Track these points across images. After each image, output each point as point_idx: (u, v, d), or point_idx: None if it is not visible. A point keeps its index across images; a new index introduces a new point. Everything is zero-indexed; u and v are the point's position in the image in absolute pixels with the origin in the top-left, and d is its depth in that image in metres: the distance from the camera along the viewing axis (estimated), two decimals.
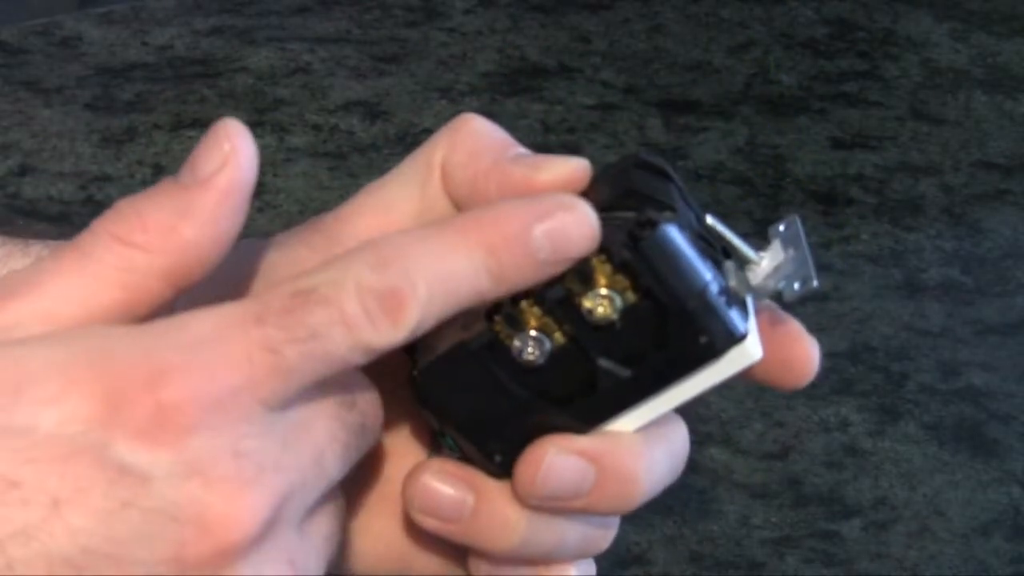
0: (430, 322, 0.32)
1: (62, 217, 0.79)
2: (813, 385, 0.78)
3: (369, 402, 0.33)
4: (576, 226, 0.34)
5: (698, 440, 0.72)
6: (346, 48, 0.88)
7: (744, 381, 0.74)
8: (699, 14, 0.91)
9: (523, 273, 0.33)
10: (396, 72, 0.87)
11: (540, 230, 0.33)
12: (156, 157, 0.83)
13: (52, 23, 0.89)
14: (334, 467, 0.32)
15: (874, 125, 0.86)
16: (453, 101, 0.86)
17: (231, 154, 0.33)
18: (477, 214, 0.34)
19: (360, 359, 0.32)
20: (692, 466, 0.74)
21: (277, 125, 0.85)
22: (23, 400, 0.30)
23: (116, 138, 0.84)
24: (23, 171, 0.82)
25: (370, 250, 0.32)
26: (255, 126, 0.84)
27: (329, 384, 0.32)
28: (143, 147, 0.84)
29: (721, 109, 0.86)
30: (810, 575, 0.68)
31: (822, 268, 0.81)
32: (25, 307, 0.32)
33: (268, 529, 0.30)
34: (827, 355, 0.80)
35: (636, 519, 0.70)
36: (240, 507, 0.30)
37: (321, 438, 0.32)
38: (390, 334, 0.32)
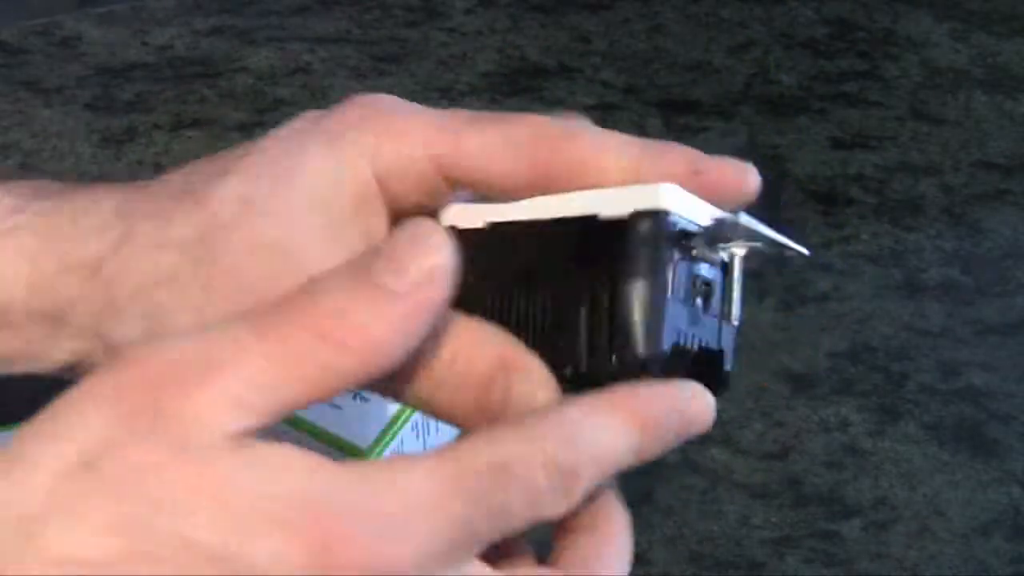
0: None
1: None
2: (813, 385, 0.79)
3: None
4: (702, 418, 0.37)
5: (698, 440, 0.72)
6: (346, 48, 0.88)
7: (744, 382, 0.74)
8: (699, 14, 0.91)
9: (654, 452, 0.36)
10: (396, 72, 0.87)
11: (678, 419, 0.36)
12: (156, 157, 0.83)
13: (52, 23, 0.89)
14: None
15: (874, 125, 0.86)
16: (453, 101, 0.86)
17: (438, 270, 0.33)
18: (633, 395, 0.35)
19: (527, 528, 0.35)
20: (692, 466, 0.74)
21: (277, 125, 0.85)
22: (241, 531, 0.31)
23: (116, 138, 0.84)
24: (23, 171, 0.82)
25: (556, 425, 0.35)
26: (255, 126, 0.84)
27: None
28: (143, 147, 0.84)
29: (721, 109, 0.86)
30: (810, 575, 0.68)
31: (822, 268, 0.81)
32: (212, 395, 0.31)
33: None
34: (827, 355, 0.80)
35: (636, 519, 0.70)
36: None
37: None
38: (562, 509, 0.35)
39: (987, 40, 0.91)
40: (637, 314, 0.36)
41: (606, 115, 0.87)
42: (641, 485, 0.71)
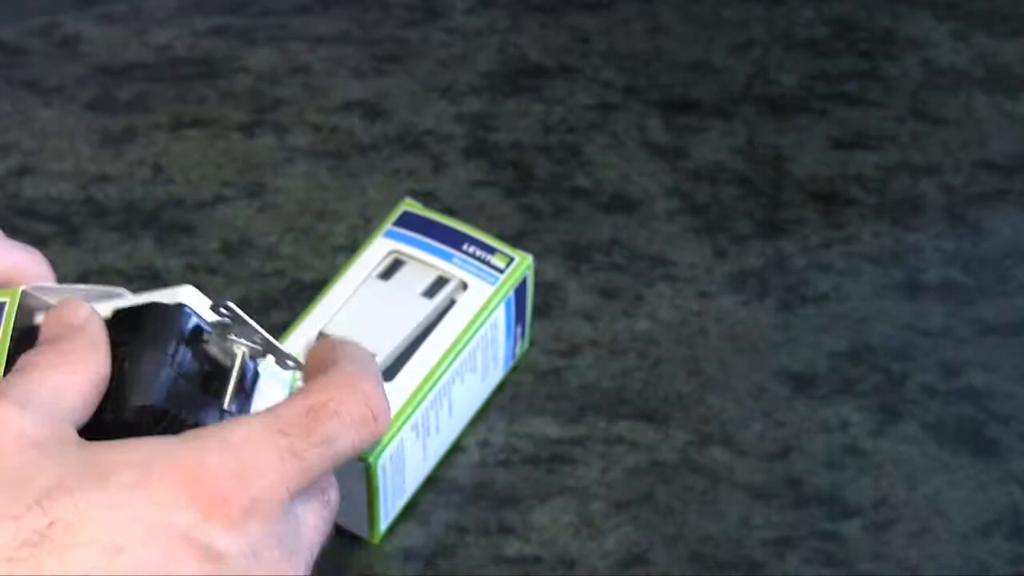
0: None
1: (62, 217, 0.79)
2: (813, 385, 0.79)
3: (335, 495, 0.46)
4: None
5: (698, 440, 0.72)
6: (346, 48, 0.88)
7: (744, 382, 0.74)
8: (699, 14, 0.92)
9: None
10: (396, 72, 0.87)
11: None
12: (156, 157, 0.83)
13: (52, 23, 0.90)
14: (314, 555, 0.44)
15: (874, 125, 0.86)
16: (453, 101, 0.86)
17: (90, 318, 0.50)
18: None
19: (355, 457, 0.45)
20: (692, 466, 0.74)
21: (277, 125, 0.85)
22: (149, 488, 0.42)
23: (116, 138, 0.84)
24: (23, 171, 0.82)
25: (368, 370, 0.48)
26: (255, 126, 0.84)
27: (314, 488, 0.44)
28: (143, 147, 0.84)
29: (721, 109, 0.86)
30: (810, 575, 0.68)
31: (822, 268, 0.81)
32: None
33: None
34: (827, 355, 0.80)
35: (636, 519, 0.70)
36: None
37: (312, 533, 0.44)
38: (376, 438, 0.45)
39: (987, 40, 0.91)
40: (136, 373, 0.47)
41: (606, 115, 0.87)
42: (641, 485, 0.71)
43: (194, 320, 0.49)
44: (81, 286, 0.52)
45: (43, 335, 0.48)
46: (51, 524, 0.40)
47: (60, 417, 0.45)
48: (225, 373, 0.49)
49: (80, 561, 0.40)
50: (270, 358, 0.50)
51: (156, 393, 0.47)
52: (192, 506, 0.41)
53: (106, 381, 0.47)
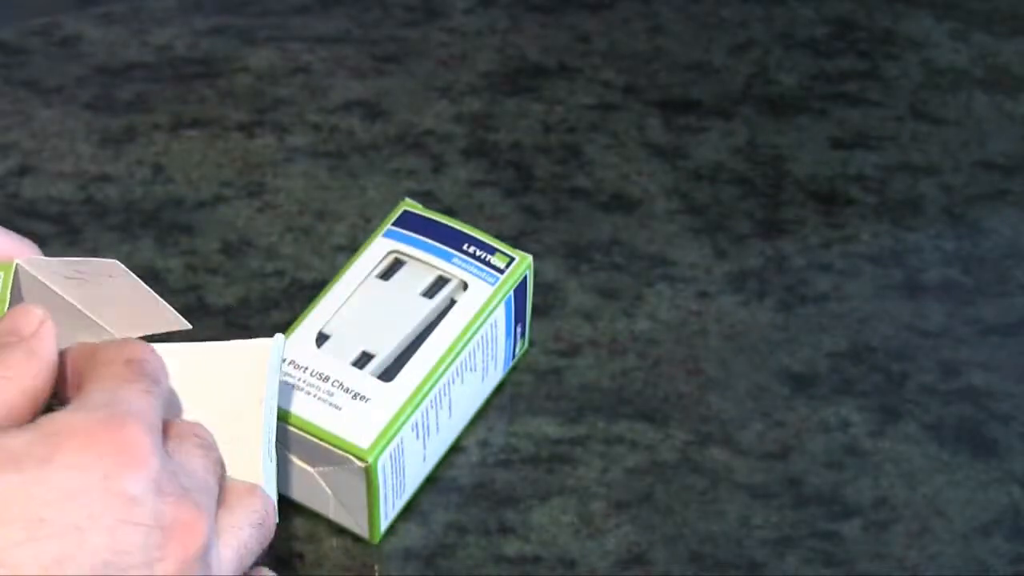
0: None
1: (62, 217, 0.79)
2: (813, 385, 0.79)
3: (262, 504, 0.51)
4: None
5: (698, 440, 0.72)
6: (346, 48, 0.88)
7: (744, 382, 0.74)
8: (699, 14, 0.91)
9: None
10: (396, 72, 0.87)
11: None
12: (156, 157, 0.83)
13: (52, 23, 0.89)
14: (215, 483, 0.49)
15: (874, 125, 0.86)
16: (453, 101, 0.86)
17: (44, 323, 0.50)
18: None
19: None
20: (692, 466, 0.74)
21: (277, 125, 0.85)
22: (60, 456, 0.45)
23: (116, 138, 0.84)
24: (23, 171, 0.82)
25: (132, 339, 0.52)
26: (255, 126, 0.84)
27: (188, 430, 0.50)
28: (143, 147, 0.84)
29: (721, 109, 0.86)
30: (810, 575, 0.68)
31: (822, 268, 0.81)
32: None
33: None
34: (827, 355, 0.80)
35: (636, 519, 0.70)
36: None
37: (198, 466, 0.48)
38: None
39: (987, 40, 0.91)
40: None
41: (606, 115, 0.87)
42: (641, 485, 0.71)
43: None
44: (77, 259, 0.53)
45: None
46: None
47: None
48: None
49: (6, 538, 0.42)
50: None
51: None
52: (102, 461, 0.44)
53: (43, 393, 0.49)
